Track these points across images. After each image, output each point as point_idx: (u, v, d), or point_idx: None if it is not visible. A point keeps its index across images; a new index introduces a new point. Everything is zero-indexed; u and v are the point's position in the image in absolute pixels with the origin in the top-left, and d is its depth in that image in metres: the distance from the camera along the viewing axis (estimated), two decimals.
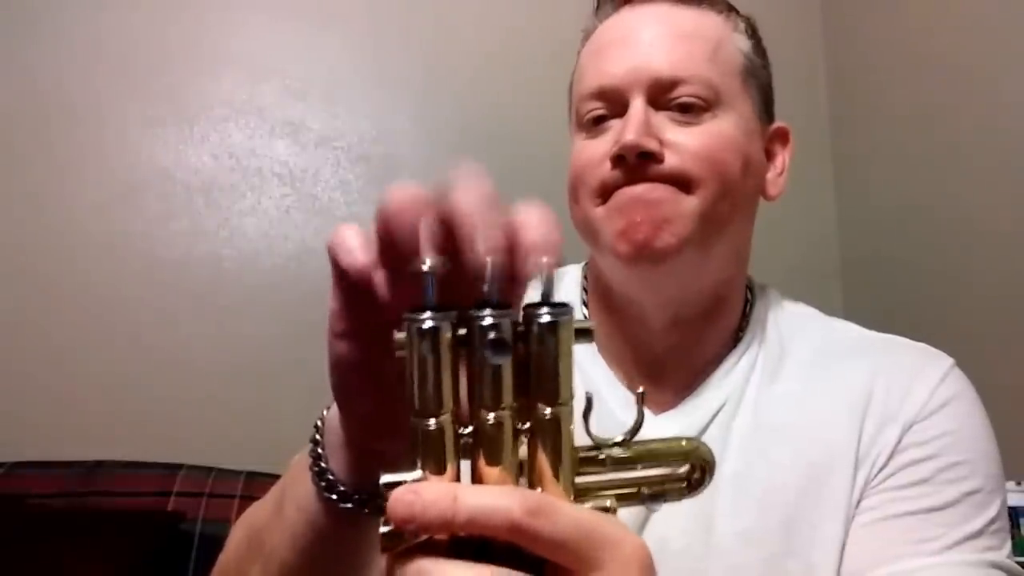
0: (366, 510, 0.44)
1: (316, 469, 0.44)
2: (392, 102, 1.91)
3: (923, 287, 1.71)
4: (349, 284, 0.36)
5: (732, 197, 0.64)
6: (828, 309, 0.74)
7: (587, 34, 0.72)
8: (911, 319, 1.66)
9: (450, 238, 0.32)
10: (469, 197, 0.32)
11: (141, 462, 1.59)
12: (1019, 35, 1.44)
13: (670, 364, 0.68)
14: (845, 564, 0.60)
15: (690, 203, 0.62)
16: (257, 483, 1.57)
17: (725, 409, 0.66)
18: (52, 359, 1.69)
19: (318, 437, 0.45)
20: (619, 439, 0.36)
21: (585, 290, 0.74)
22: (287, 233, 1.83)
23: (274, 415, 1.61)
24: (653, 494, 0.37)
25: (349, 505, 0.44)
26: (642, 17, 0.67)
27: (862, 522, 0.60)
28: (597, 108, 0.66)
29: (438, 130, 1.91)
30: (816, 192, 2.02)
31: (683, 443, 0.37)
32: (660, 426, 0.65)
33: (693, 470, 0.37)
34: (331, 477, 0.44)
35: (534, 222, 0.32)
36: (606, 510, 0.33)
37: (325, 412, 0.46)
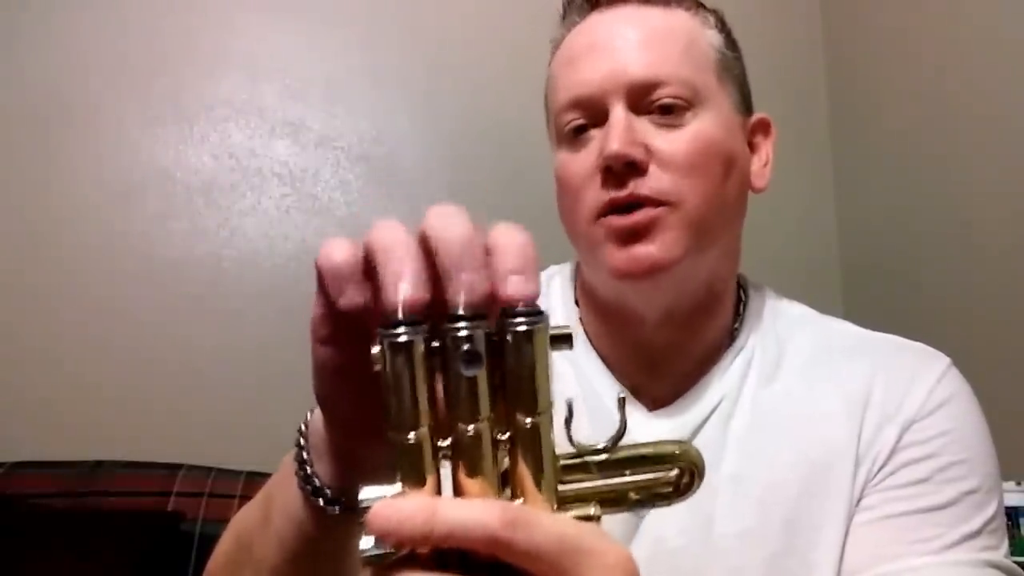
0: (353, 514, 0.44)
1: (302, 474, 0.44)
2: (392, 102, 1.91)
3: (922, 287, 1.71)
4: (337, 307, 0.36)
5: (719, 201, 0.63)
6: (828, 309, 0.74)
7: (556, 44, 0.70)
8: (911, 319, 1.66)
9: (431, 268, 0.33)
10: (448, 237, 0.32)
11: (141, 462, 1.59)
12: (1020, 36, 1.44)
13: (665, 361, 0.67)
14: (844, 562, 0.59)
15: (677, 218, 0.61)
16: (257, 483, 1.56)
17: (721, 407, 0.65)
18: (52, 359, 1.69)
19: (302, 442, 0.45)
20: (601, 446, 0.35)
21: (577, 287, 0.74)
22: (287, 233, 1.83)
23: (274, 415, 1.60)
24: (641, 500, 0.36)
25: (336, 509, 0.43)
26: (611, 21, 0.66)
27: (861, 521, 0.60)
28: (576, 118, 0.65)
29: (438, 130, 1.91)
30: (816, 192, 2.01)
31: (672, 446, 0.36)
32: (655, 424, 0.65)
33: (682, 474, 0.36)
34: (317, 482, 0.44)
35: (510, 248, 0.32)
36: (590, 518, 0.33)
37: (308, 416, 0.46)
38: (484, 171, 1.88)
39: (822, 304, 0.73)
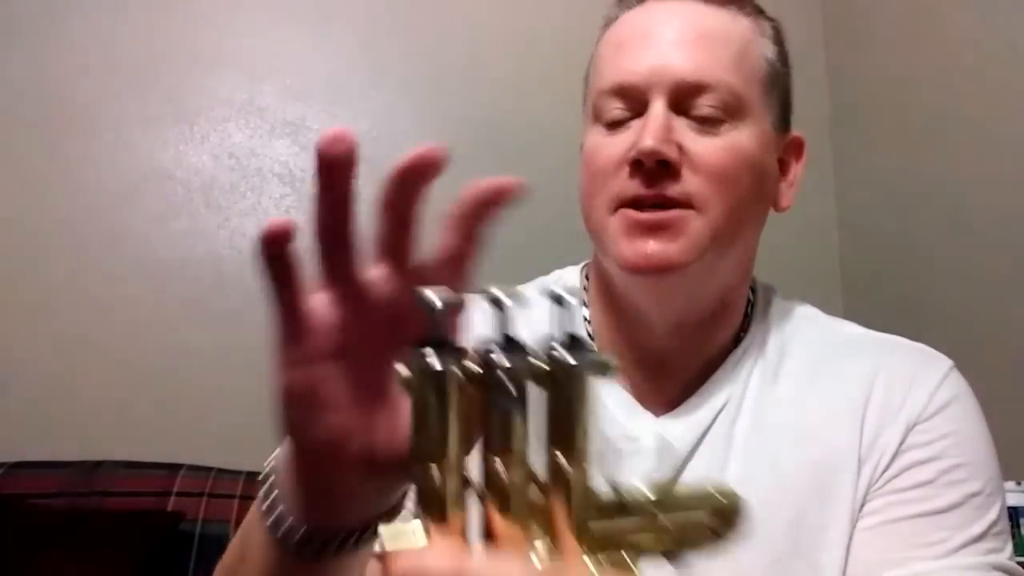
0: (329, 550, 0.41)
1: (271, 518, 0.41)
2: (392, 102, 1.91)
3: (922, 287, 1.71)
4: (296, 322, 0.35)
5: (743, 214, 0.62)
6: (828, 309, 0.74)
7: (608, 21, 0.68)
8: (910, 319, 1.66)
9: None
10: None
11: (141, 462, 1.59)
12: (1020, 37, 1.44)
13: (672, 365, 0.67)
14: (850, 567, 0.59)
15: (701, 222, 0.60)
16: (257, 483, 1.57)
17: (727, 409, 0.65)
18: (52, 359, 1.69)
19: (268, 488, 0.42)
20: (642, 488, 0.34)
21: (585, 289, 0.74)
22: None
23: (274, 415, 1.60)
24: (678, 544, 0.34)
25: (310, 550, 0.40)
26: (667, 13, 0.64)
27: (866, 525, 0.60)
28: (616, 107, 0.64)
29: (438, 130, 1.91)
30: (816, 192, 2.02)
31: (714, 492, 0.35)
32: (663, 427, 0.65)
33: (723, 519, 0.35)
34: (287, 523, 0.41)
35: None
36: (629, 571, 0.31)
37: (269, 465, 0.43)
38: (484, 171, 1.86)
39: (822, 304, 0.73)
